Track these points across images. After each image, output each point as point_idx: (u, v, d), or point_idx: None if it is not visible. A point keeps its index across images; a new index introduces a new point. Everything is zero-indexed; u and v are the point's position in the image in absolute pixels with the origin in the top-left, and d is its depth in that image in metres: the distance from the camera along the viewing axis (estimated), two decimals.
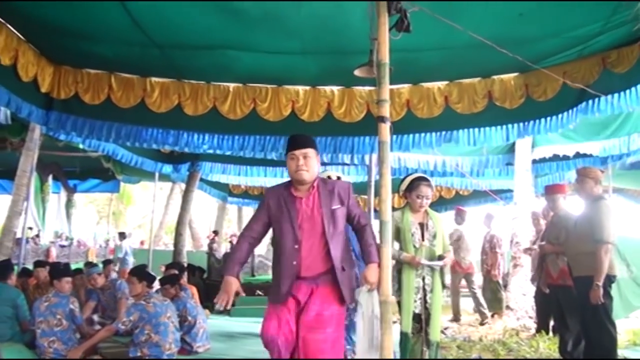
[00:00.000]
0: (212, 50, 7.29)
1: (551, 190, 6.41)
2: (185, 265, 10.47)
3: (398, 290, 5.25)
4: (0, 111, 8.74)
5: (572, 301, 5.27)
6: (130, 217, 34.02)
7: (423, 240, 5.33)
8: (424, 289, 5.25)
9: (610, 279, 5.14)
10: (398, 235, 5.38)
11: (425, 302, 5.23)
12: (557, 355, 5.69)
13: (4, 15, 6.74)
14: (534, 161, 11.16)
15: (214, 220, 26.38)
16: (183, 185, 19.96)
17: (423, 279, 5.27)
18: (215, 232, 14.50)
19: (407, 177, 5.68)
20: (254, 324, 8.56)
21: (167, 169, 13.17)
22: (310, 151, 3.90)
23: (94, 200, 31.04)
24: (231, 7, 6.09)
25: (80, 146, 11.43)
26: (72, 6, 6.26)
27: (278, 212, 3.87)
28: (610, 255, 5.13)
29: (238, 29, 6.60)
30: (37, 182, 14.45)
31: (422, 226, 5.39)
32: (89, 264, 8.24)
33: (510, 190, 11.85)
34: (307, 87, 8.42)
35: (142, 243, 24.44)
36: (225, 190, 17.37)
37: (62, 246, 17.70)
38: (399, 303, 5.21)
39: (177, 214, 28.53)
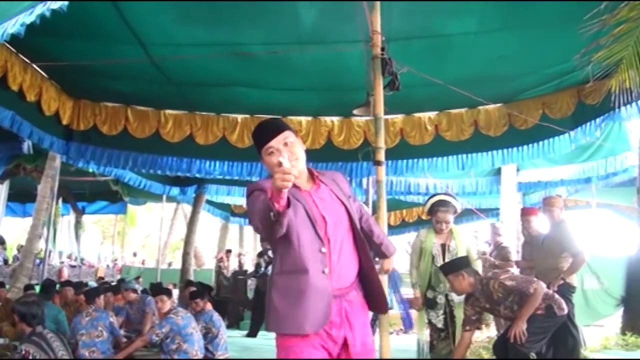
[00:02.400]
0: (224, 87, 8.06)
1: (525, 212, 7.13)
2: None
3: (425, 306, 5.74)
4: (24, 143, 9.38)
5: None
6: (133, 238, 34.74)
7: (444, 261, 5.61)
8: (450, 305, 5.62)
9: (570, 289, 5.97)
10: (421, 253, 5.76)
11: (453, 317, 5.58)
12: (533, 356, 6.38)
13: (30, 56, 7.43)
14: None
15: (216, 240, 27.04)
16: (186, 206, 20.75)
17: (446, 296, 5.65)
18: (228, 251, 15.13)
19: (431, 197, 6.06)
20: (264, 338, 9.30)
21: (175, 191, 13.85)
22: (288, 134, 2.86)
23: (98, 221, 31.62)
24: (244, 51, 6.86)
25: (90, 170, 12.09)
26: (94, 47, 6.98)
27: (290, 208, 2.59)
28: (583, 263, 5.99)
29: (248, 70, 7.37)
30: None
31: (444, 247, 5.74)
32: (122, 280, 8.97)
33: (497, 209, 12.56)
34: (309, 118, 9.17)
35: (142, 262, 25.09)
36: (228, 210, 18.06)
37: (73, 266, 18.36)
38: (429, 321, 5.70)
39: (180, 233, 29.41)
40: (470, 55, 6.86)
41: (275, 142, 2.78)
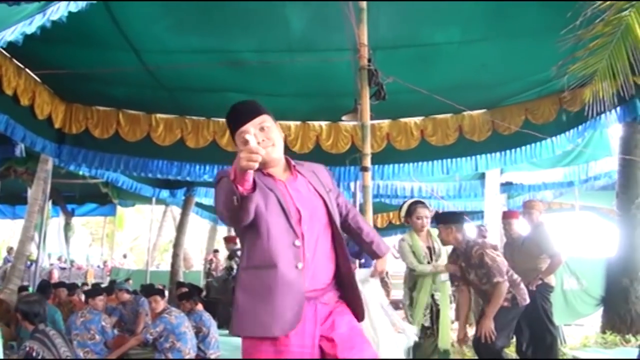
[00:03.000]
0: (214, 93, 8.21)
1: (506, 215, 7.36)
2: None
3: (409, 305, 5.95)
4: (17, 146, 9.48)
5: (525, 308, 6.24)
6: (122, 239, 34.79)
7: (431, 261, 5.84)
8: (435, 304, 5.77)
9: (548, 289, 6.23)
10: (413, 253, 5.89)
11: (438, 315, 5.72)
12: (514, 355, 6.62)
13: (23, 61, 7.57)
14: (508, 183, 12.18)
15: (204, 242, 27.15)
16: (175, 208, 20.87)
17: (432, 295, 5.81)
18: (216, 251, 15.23)
19: (404, 203, 6.24)
20: None
21: (164, 194, 13.96)
22: (265, 118, 2.63)
23: (87, 223, 31.64)
24: (235, 58, 7.05)
25: (81, 173, 12.20)
26: (88, 53, 7.13)
27: (259, 194, 2.36)
28: (560, 264, 6.25)
29: (239, 76, 7.57)
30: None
31: (430, 249, 5.94)
32: (113, 282, 9.13)
33: (482, 211, 12.79)
34: (298, 122, 9.36)
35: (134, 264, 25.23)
36: (215, 213, 18.22)
37: (62, 268, 18.42)
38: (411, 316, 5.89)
39: (169, 235, 29.51)
40: (455, 63, 7.08)
41: (251, 126, 2.54)
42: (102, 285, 10.90)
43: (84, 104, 9.11)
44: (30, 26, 5.27)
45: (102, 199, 16.63)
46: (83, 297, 8.95)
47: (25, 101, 7.90)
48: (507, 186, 12.36)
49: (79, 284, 11.55)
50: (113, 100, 8.96)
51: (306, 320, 2.42)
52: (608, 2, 4.09)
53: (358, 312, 2.64)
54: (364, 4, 4.63)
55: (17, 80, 7.64)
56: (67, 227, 18.44)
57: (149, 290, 7.05)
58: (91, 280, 17.80)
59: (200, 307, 7.25)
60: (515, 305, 5.28)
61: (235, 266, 11.65)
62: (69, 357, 4.08)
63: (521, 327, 6.29)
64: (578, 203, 14.10)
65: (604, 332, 8.16)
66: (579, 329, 9.20)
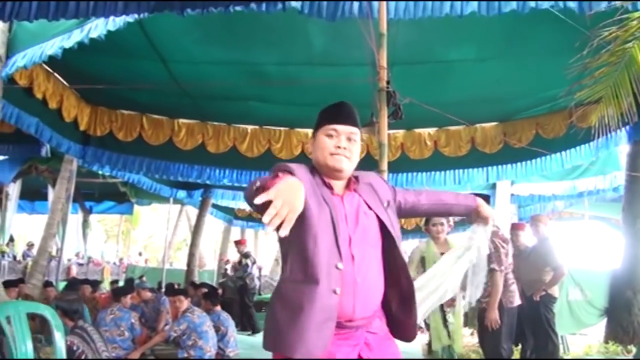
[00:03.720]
0: (237, 101, 8.54)
1: (514, 227, 7.61)
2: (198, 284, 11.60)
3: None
4: (44, 147, 9.84)
5: (528, 316, 6.51)
6: (137, 237, 35.26)
7: None
8: (442, 310, 5.71)
9: (552, 299, 6.52)
10: (422, 264, 5.98)
11: (446, 320, 5.72)
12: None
13: (52, 66, 7.90)
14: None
15: (217, 241, 27.51)
16: (189, 207, 21.24)
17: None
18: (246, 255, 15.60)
19: None
20: None
21: (182, 194, 14.30)
22: (357, 132, 2.52)
23: (102, 220, 32.04)
24: (258, 70, 7.38)
25: (100, 172, 12.56)
26: (117, 61, 7.47)
27: (314, 203, 2.32)
28: (562, 276, 6.52)
29: (261, 87, 7.86)
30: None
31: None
32: (131, 280, 9.55)
33: None
34: None
35: (145, 262, 25.57)
36: (231, 214, 18.58)
37: (80, 264, 18.81)
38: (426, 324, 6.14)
39: (182, 234, 29.92)
40: (469, 79, 7.38)
41: (343, 130, 2.47)
42: (120, 283, 11.29)
43: (108, 108, 9.44)
44: (69, 41, 5.62)
45: (120, 197, 17.03)
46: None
47: (54, 104, 8.25)
48: (518, 197, 12.62)
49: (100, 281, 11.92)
50: (137, 104, 9.29)
51: (351, 348, 2.31)
52: (614, 34, 4.36)
53: (409, 334, 2.52)
54: (384, 29, 4.89)
55: (47, 84, 7.99)
56: (85, 224, 18.85)
57: (174, 290, 7.40)
58: (108, 276, 18.16)
59: (218, 307, 7.57)
60: (501, 307, 5.54)
61: (250, 264, 12.05)
62: (104, 351, 4.38)
63: (525, 335, 6.58)
64: (587, 213, 14.32)
65: (606, 342, 8.39)
66: (582, 338, 9.47)
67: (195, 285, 10.10)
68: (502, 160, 9.22)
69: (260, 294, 13.04)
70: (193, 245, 14.46)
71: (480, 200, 2.87)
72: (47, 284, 9.40)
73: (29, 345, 3.13)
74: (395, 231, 2.49)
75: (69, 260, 18.20)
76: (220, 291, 11.40)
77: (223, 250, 20.46)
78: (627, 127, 7.54)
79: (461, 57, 6.86)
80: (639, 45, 4.43)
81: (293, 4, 4.96)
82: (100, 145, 9.63)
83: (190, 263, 14.04)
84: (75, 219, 18.32)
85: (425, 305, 2.96)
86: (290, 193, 1.97)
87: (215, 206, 16.42)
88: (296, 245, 2.32)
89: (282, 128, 9.67)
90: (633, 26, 4.42)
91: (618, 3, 4.38)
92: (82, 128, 9.28)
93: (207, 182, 10.50)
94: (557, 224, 20.00)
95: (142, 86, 7.81)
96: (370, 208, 2.49)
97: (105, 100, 9.24)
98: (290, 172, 2.26)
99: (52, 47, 5.76)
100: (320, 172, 2.49)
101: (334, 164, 2.44)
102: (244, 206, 16.36)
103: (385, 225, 2.46)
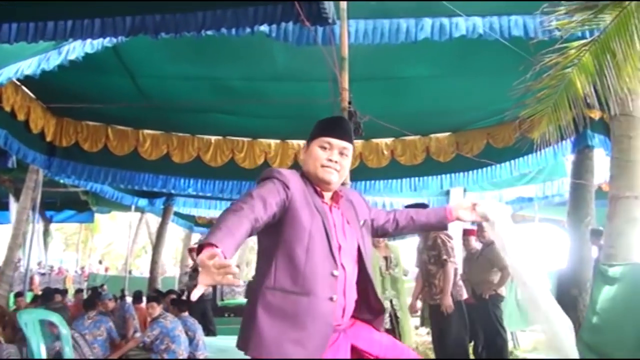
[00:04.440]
0: (201, 113, 8.83)
1: (465, 233, 8.12)
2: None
3: None
4: (10, 158, 9.94)
5: (479, 314, 7.00)
6: (96, 245, 34.99)
7: (387, 270, 6.58)
8: (393, 309, 6.42)
9: (499, 298, 7.06)
10: None
11: (397, 318, 6.39)
12: (472, 356, 7.39)
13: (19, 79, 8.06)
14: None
15: (178, 249, 27.60)
16: (149, 215, 21.35)
17: (391, 301, 6.45)
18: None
19: None
20: (233, 341, 10.11)
21: (143, 202, 14.48)
22: (350, 148, 2.65)
23: (61, 229, 31.76)
24: (223, 85, 7.71)
25: (62, 182, 12.66)
26: (85, 75, 7.65)
27: (306, 211, 2.44)
28: (509, 276, 7.04)
29: (225, 99, 8.18)
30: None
31: (387, 259, 6.64)
32: (94, 289, 9.82)
33: None
34: (278, 141, 10.03)
35: (106, 270, 25.54)
36: (192, 221, 18.79)
37: (42, 274, 18.73)
38: None
39: (141, 242, 29.89)
40: (424, 93, 7.84)
41: (336, 143, 2.57)
42: (83, 291, 11.45)
43: (74, 119, 9.61)
44: (48, 63, 5.87)
45: (81, 206, 17.01)
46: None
47: (22, 116, 8.38)
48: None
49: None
50: (102, 116, 9.44)
51: (334, 353, 2.40)
52: (554, 60, 4.86)
53: (378, 321, 2.65)
54: (346, 53, 5.29)
55: (15, 96, 8.13)
56: (46, 233, 18.76)
57: (148, 297, 7.72)
58: (70, 285, 18.16)
59: (186, 313, 7.86)
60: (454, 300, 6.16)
61: None
62: (90, 355, 4.66)
63: (477, 332, 7.07)
64: (538, 216, 14.99)
65: None
66: (532, 334, 10.06)
67: (160, 292, 10.32)
68: (455, 168, 9.71)
69: (222, 300, 13.30)
70: (156, 252, 14.66)
71: (451, 209, 2.89)
72: (18, 294, 9.54)
73: (42, 347, 3.45)
74: (367, 250, 2.62)
75: (31, 270, 18.10)
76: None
77: (185, 256, 20.60)
78: (572, 138, 8.14)
79: (416, 74, 7.31)
80: (577, 70, 4.92)
81: (262, 28, 5.31)
82: (65, 156, 9.77)
83: (153, 270, 14.23)
84: (36, 228, 18.25)
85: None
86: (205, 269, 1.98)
87: (176, 214, 16.60)
88: (284, 254, 2.38)
89: (245, 139, 9.98)
90: (572, 54, 4.91)
91: (559, 33, 4.88)
92: (48, 139, 9.41)
93: (173, 191, 10.76)
94: None
95: (113, 104, 8.02)
96: (349, 224, 2.61)
97: (70, 111, 9.41)
98: (280, 179, 2.48)
99: (30, 67, 5.99)
100: (310, 180, 2.60)
101: (324, 176, 2.55)
102: (205, 214, 16.63)
103: (359, 244, 2.58)
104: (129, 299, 9.60)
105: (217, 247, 1.99)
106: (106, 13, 5.15)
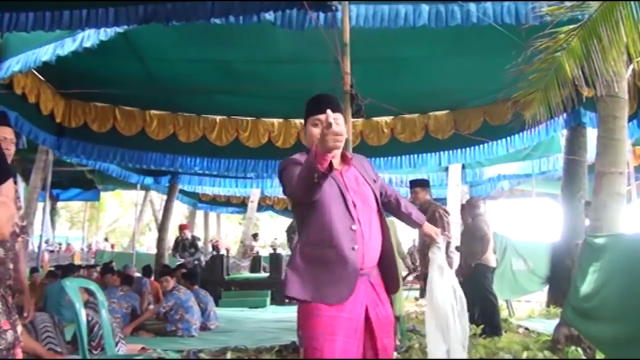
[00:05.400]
0: (208, 94, 9.12)
1: (463, 208, 8.44)
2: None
3: None
4: (20, 139, 10.24)
5: (469, 282, 7.35)
6: (101, 223, 35.39)
7: None
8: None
9: (487, 268, 7.40)
10: None
11: None
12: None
13: None
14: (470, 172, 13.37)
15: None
16: (153, 193, 21.72)
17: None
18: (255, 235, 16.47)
19: None
20: (240, 311, 10.60)
21: (149, 180, 14.84)
22: (340, 116, 2.92)
23: (66, 207, 32.15)
24: (229, 67, 7.99)
25: (68, 161, 12.97)
26: (96, 58, 7.85)
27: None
28: (487, 244, 7.36)
29: (230, 81, 8.45)
30: (25, 193, 15.94)
31: None
32: (108, 263, 10.33)
33: (445, 199, 13.90)
34: (281, 120, 10.33)
35: (112, 247, 26.00)
36: (196, 198, 19.17)
37: (51, 251, 19.13)
38: None
39: (146, 219, 30.28)
40: (422, 73, 8.12)
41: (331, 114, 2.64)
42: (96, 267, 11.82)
43: (83, 100, 9.86)
44: (63, 49, 6.16)
45: (87, 184, 17.37)
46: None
47: (32, 98, 8.65)
48: (468, 177, 13.57)
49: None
50: (110, 97, 9.70)
51: (359, 293, 2.78)
52: (545, 44, 5.15)
53: (394, 285, 3.04)
54: (348, 38, 5.56)
55: (25, 79, 8.40)
56: (53, 211, 19.12)
57: (161, 272, 8.12)
58: (78, 262, 18.55)
59: (196, 286, 8.25)
60: None
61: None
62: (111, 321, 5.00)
63: (471, 300, 7.45)
64: (535, 190, 15.33)
65: (548, 306, 9.34)
66: (527, 304, 10.47)
67: (169, 267, 10.70)
68: (453, 145, 10.01)
69: (229, 274, 13.67)
70: (162, 229, 15.02)
71: (425, 222, 3.38)
72: (34, 269, 9.92)
73: (82, 311, 3.83)
74: (380, 202, 3.02)
75: (39, 247, 18.51)
76: None
77: (190, 233, 21.02)
78: (564, 115, 8.44)
79: (415, 55, 7.59)
80: (566, 54, 5.21)
81: (267, 16, 5.59)
82: (75, 137, 10.08)
83: (159, 246, 14.61)
84: (41, 206, 18.62)
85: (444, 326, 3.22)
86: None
87: (181, 191, 16.93)
88: (313, 216, 2.81)
89: (249, 118, 10.28)
90: (561, 38, 5.19)
91: (549, 18, 5.16)
92: (57, 120, 9.66)
93: (179, 170, 11.06)
94: (508, 201, 21.22)
95: (124, 89, 8.30)
96: (365, 179, 2.97)
97: (79, 93, 9.65)
98: (296, 162, 2.83)
99: (47, 53, 6.27)
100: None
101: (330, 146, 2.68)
102: (209, 191, 16.98)
103: (376, 197, 2.98)
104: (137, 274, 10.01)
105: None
106: (119, 2, 5.44)
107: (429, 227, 3.39)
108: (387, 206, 3.27)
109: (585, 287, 4.56)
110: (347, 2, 5.51)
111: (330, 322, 2.71)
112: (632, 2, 4.74)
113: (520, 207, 21.65)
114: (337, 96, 5.81)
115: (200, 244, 13.58)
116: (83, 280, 5.84)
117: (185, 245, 13.56)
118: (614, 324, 4.14)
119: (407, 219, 3.35)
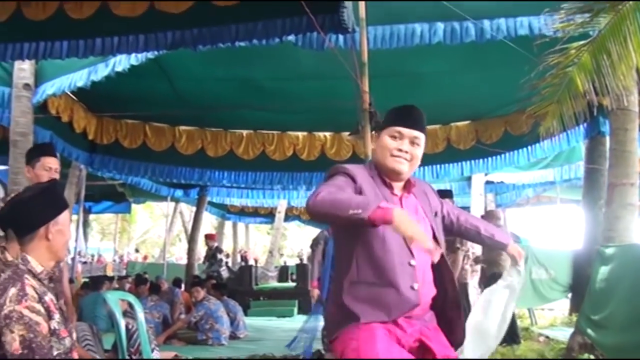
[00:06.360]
0: (233, 110, 9.43)
1: (486, 216, 8.59)
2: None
3: None
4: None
5: None
6: (132, 234, 36.02)
7: None
8: None
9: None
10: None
11: None
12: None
13: None
14: (491, 182, 13.49)
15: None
16: (182, 205, 22.15)
17: None
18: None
19: None
20: (268, 321, 10.88)
21: (179, 193, 15.22)
22: (422, 137, 2.58)
23: (97, 219, 32.77)
24: (254, 85, 8.29)
25: (100, 175, 13.37)
26: (126, 79, 8.16)
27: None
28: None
29: (255, 97, 8.75)
30: None
31: None
32: (141, 275, 10.72)
33: (469, 207, 14.03)
34: (305, 133, 10.60)
35: (145, 258, 26.53)
36: (225, 209, 19.54)
37: (84, 263, 19.62)
38: None
39: (176, 230, 30.78)
40: (441, 87, 8.32)
41: (407, 133, 2.50)
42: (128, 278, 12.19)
43: (114, 118, 10.23)
44: (97, 74, 6.50)
45: (118, 197, 17.81)
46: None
47: (65, 118, 9.02)
48: (494, 185, 13.71)
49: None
50: (140, 114, 10.04)
51: (408, 330, 2.42)
52: (557, 60, 5.35)
53: (457, 336, 2.59)
54: (365, 58, 5.80)
55: (59, 100, 8.76)
56: (86, 224, 19.59)
57: (192, 282, 8.46)
58: (111, 273, 19.03)
59: (225, 296, 8.54)
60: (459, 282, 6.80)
61: (224, 258, 13.25)
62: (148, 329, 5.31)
63: None
64: (560, 197, 15.41)
65: (570, 314, 9.44)
66: (550, 312, 10.57)
67: (200, 278, 11.03)
68: (475, 155, 10.16)
69: (257, 284, 13.97)
70: (192, 240, 15.39)
71: (511, 241, 2.95)
72: (69, 281, 10.28)
73: (122, 321, 4.16)
74: (441, 240, 2.61)
75: (72, 259, 19.01)
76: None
77: (218, 244, 21.37)
78: (584, 124, 8.57)
79: (433, 69, 7.82)
80: (577, 69, 5.41)
81: (289, 38, 5.86)
82: (107, 153, 10.44)
83: (190, 257, 14.96)
84: (74, 219, 19.11)
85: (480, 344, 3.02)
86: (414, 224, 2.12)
87: (209, 203, 17.28)
88: (362, 247, 2.41)
89: (274, 132, 10.57)
90: (572, 54, 5.39)
91: (560, 34, 5.36)
92: (90, 137, 10.03)
93: (208, 183, 11.40)
94: (534, 208, 21.24)
95: (153, 111, 8.67)
96: (424, 212, 2.59)
97: (110, 111, 10.04)
98: (347, 172, 2.45)
99: (81, 79, 6.62)
100: (380, 170, 2.54)
101: (393, 166, 2.49)
102: (237, 202, 17.32)
103: (435, 233, 2.57)
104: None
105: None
106: (149, 29, 5.74)
107: (514, 248, 2.95)
108: (465, 233, 2.96)
109: (597, 296, 4.73)
110: (364, 25, 5.74)
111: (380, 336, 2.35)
112: (639, 18, 4.92)
113: (546, 214, 21.64)
114: (356, 105, 6.14)
115: (221, 255, 13.77)
116: (122, 292, 6.23)
117: (208, 255, 13.89)
118: (622, 332, 4.31)
119: (490, 242, 2.93)
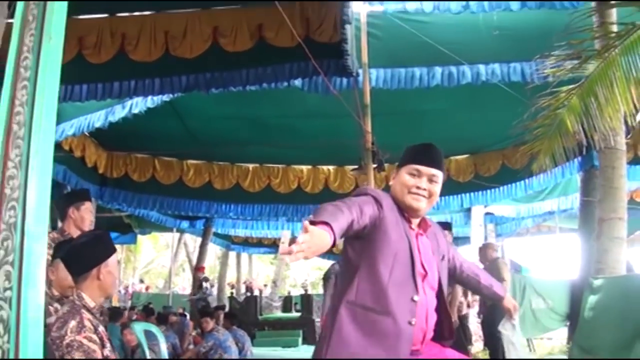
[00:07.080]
0: (240, 146, 9.79)
1: (481, 250, 8.88)
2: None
3: None
4: (65, 189, 10.96)
5: (489, 322, 7.76)
6: (136, 265, 36.13)
7: None
8: None
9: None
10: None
11: None
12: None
13: None
14: (491, 213, 13.79)
15: (216, 266, 28.63)
16: (187, 235, 22.38)
17: None
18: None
19: None
20: (273, 350, 11.10)
21: (185, 224, 15.53)
22: (440, 175, 2.61)
23: None
24: (262, 122, 8.66)
25: (108, 207, 13.67)
26: (137, 116, 8.62)
27: (395, 233, 2.45)
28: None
29: (261, 133, 9.12)
30: None
31: None
32: (147, 305, 10.92)
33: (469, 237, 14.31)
34: (310, 167, 10.97)
35: (147, 288, 26.65)
36: (229, 240, 19.80)
37: None
38: None
39: (181, 260, 30.92)
40: (441, 123, 8.67)
41: (425, 171, 2.53)
42: (134, 308, 12.42)
43: (123, 152, 10.62)
44: (114, 116, 6.86)
45: (124, 228, 18.07)
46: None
47: (78, 153, 9.39)
48: (494, 215, 14.01)
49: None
50: (150, 148, 10.46)
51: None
52: (548, 102, 5.71)
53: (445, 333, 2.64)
54: (368, 100, 6.18)
55: (72, 137, 9.13)
56: None
57: (201, 313, 8.69)
58: (116, 304, 19.18)
59: (235, 326, 8.80)
60: None
61: (209, 287, 13.74)
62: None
63: (488, 337, 7.92)
64: (559, 226, 15.67)
65: (568, 343, 9.65)
66: (549, 342, 10.79)
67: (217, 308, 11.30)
68: (473, 188, 10.51)
69: (262, 314, 14.20)
70: (198, 271, 15.64)
71: (507, 295, 3.06)
72: None
73: (147, 350, 4.49)
74: (444, 283, 2.63)
75: None
76: None
77: (222, 274, 21.59)
78: (579, 158, 8.90)
79: (432, 107, 8.20)
80: (567, 111, 5.77)
81: (296, 82, 6.23)
82: (116, 186, 10.80)
83: (194, 287, 15.22)
84: None
85: None
86: (318, 247, 1.98)
87: (214, 234, 17.56)
88: (368, 270, 2.40)
89: (280, 165, 10.93)
90: (562, 97, 5.75)
91: (551, 79, 5.73)
92: (100, 171, 10.39)
93: (215, 216, 11.71)
94: (534, 238, 21.47)
95: (165, 153, 9.01)
96: (433, 254, 2.60)
97: (120, 146, 10.41)
98: (375, 196, 2.45)
99: (99, 120, 6.99)
100: (398, 206, 2.55)
101: (411, 203, 2.50)
102: (242, 233, 17.62)
103: (440, 275, 2.60)
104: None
105: (329, 224, 2.04)
106: (164, 73, 6.11)
107: (509, 301, 3.08)
108: (465, 280, 3.02)
109: (587, 326, 5.01)
110: (367, 70, 6.12)
111: None
112: (624, 65, 5.28)
113: (546, 243, 21.89)
114: (360, 150, 6.48)
115: (207, 284, 14.36)
116: (145, 323, 6.55)
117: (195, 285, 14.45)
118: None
119: (487, 292, 3.04)
